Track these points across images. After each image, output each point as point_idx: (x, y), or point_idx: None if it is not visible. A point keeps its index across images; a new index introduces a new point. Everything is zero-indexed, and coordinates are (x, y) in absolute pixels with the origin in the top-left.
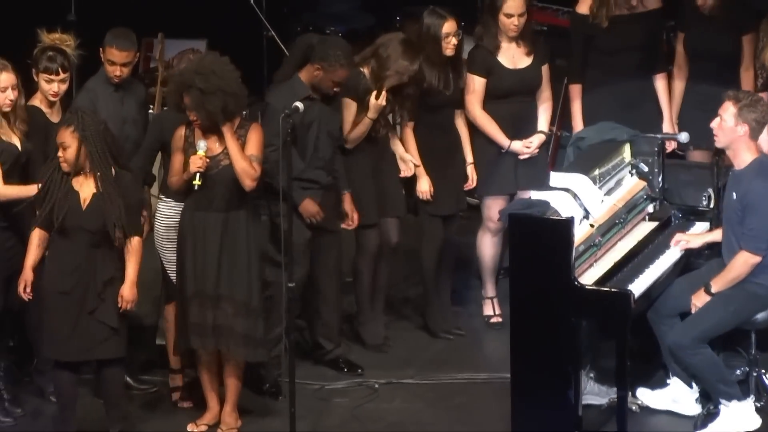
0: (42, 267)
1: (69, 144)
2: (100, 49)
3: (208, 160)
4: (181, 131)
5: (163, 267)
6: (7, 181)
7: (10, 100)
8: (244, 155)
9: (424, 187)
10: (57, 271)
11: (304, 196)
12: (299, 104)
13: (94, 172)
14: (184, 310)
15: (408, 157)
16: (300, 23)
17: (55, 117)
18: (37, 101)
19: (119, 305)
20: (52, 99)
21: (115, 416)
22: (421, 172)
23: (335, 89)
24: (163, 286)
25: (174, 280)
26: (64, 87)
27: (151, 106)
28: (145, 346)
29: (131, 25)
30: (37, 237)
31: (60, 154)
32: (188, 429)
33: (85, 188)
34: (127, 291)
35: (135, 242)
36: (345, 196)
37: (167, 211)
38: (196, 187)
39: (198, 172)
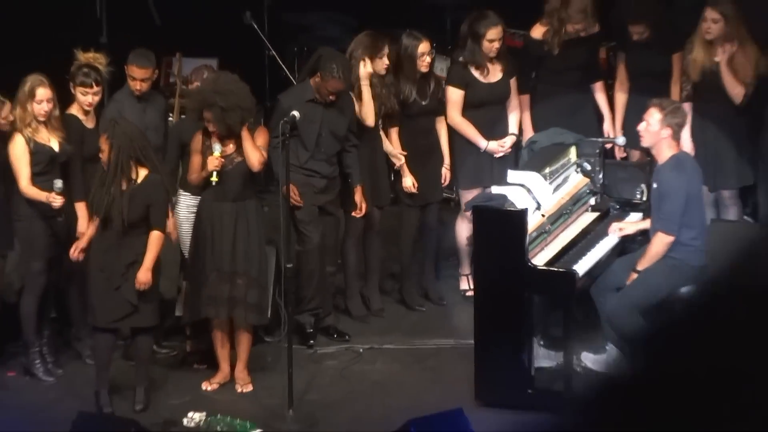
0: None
1: (104, 149)
2: (125, 66)
3: (223, 159)
4: (199, 135)
5: (181, 250)
6: (46, 177)
7: (45, 111)
8: (255, 145)
9: (408, 183)
10: (96, 251)
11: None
12: (296, 113)
13: (113, 175)
14: (199, 286)
15: (395, 152)
16: (297, 44)
17: (89, 123)
18: (74, 110)
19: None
20: (87, 108)
21: (142, 375)
22: (406, 170)
23: (331, 97)
24: (182, 266)
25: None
26: (97, 98)
27: (171, 115)
28: (166, 317)
29: (153, 46)
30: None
31: (100, 155)
32: (203, 387)
33: None
34: (141, 275)
35: (154, 235)
36: (357, 188)
37: (186, 203)
38: (213, 183)
39: (215, 170)
